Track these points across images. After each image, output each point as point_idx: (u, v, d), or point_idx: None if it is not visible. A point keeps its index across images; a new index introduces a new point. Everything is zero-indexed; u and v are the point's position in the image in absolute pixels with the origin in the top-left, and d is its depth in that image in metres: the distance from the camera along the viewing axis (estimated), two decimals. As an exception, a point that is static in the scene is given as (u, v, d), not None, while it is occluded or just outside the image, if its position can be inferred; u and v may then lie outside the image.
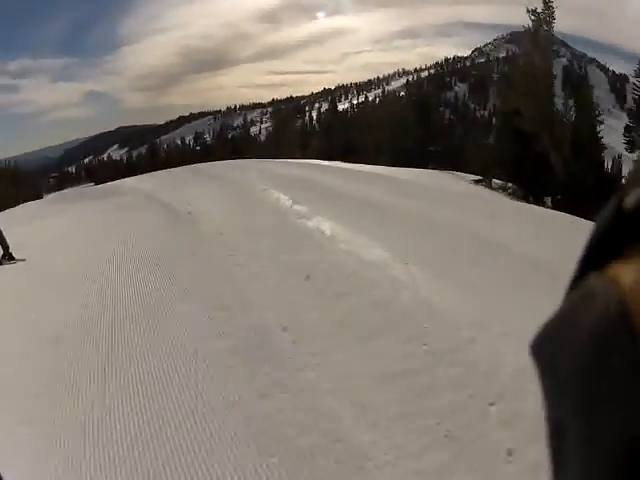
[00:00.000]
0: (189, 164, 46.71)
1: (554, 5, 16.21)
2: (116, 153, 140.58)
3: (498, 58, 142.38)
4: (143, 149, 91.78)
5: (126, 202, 10.80)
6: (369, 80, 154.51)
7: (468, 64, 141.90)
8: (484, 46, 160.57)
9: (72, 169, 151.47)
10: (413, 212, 6.83)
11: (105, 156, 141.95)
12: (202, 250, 5.02)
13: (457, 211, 7.07)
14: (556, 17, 15.94)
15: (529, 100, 15.43)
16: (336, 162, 22.28)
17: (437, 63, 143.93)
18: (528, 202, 15.11)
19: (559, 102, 16.96)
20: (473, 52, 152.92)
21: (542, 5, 16.23)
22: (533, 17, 16.15)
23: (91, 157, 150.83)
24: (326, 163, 20.13)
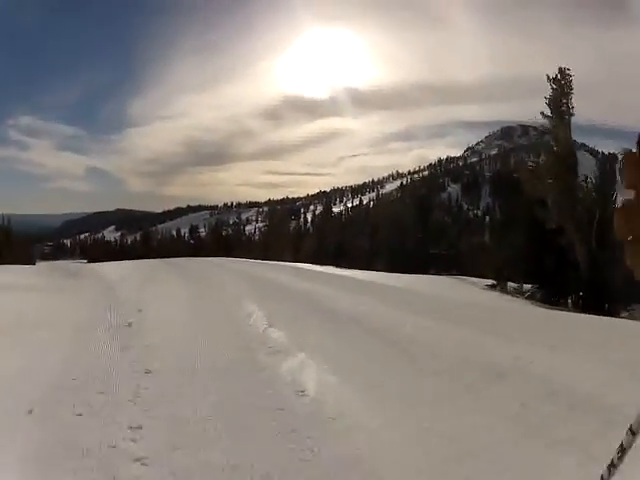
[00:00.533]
0: (179, 256, 45.78)
1: (571, 73, 14.96)
2: (111, 235, 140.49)
3: (490, 155, 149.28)
4: (138, 235, 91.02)
5: (82, 292, 9.18)
6: (364, 183, 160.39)
7: (461, 164, 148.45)
8: (476, 144, 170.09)
9: (68, 242, 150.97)
10: (437, 343, 4.89)
11: (101, 235, 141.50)
12: (98, 410, 3.00)
13: (492, 337, 5.20)
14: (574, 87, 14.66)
15: (555, 186, 13.94)
16: (328, 267, 20.73)
17: (431, 164, 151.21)
18: (553, 305, 13.22)
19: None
20: (465, 151, 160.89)
21: (559, 75, 14.89)
22: (555, 85, 14.85)
23: (88, 234, 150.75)
24: (317, 268, 18.51)
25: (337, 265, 22.82)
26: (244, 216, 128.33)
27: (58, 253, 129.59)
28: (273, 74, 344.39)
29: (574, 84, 14.91)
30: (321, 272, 16.04)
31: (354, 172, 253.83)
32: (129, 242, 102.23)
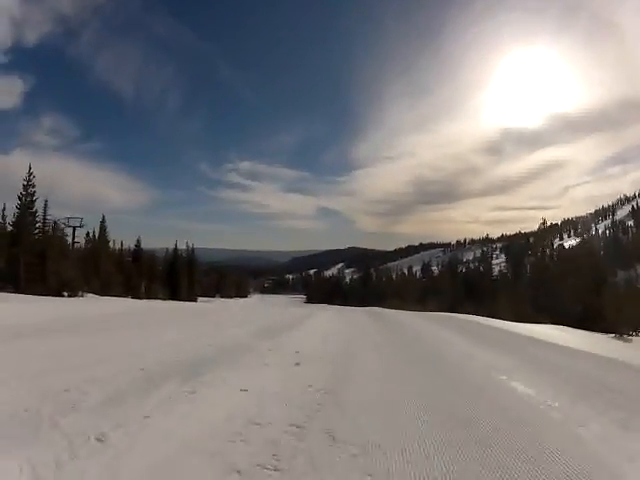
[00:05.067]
0: (405, 298, 41.80)
1: None
2: (342, 271, 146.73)
3: None
4: (370, 272, 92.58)
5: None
6: (595, 211, 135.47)
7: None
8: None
9: (291, 277, 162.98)
10: None
11: (331, 272, 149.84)
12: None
13: None
14: None
15: None
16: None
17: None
18: None
19: None
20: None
21: None
22: None
23: (315, 270, 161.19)
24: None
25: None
26: (478, 252, 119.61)
27: (278, 287, 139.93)
28: (486, 106, 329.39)
29: None
30: None
31: (580, 202, 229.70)
32: (351, 279, 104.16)
